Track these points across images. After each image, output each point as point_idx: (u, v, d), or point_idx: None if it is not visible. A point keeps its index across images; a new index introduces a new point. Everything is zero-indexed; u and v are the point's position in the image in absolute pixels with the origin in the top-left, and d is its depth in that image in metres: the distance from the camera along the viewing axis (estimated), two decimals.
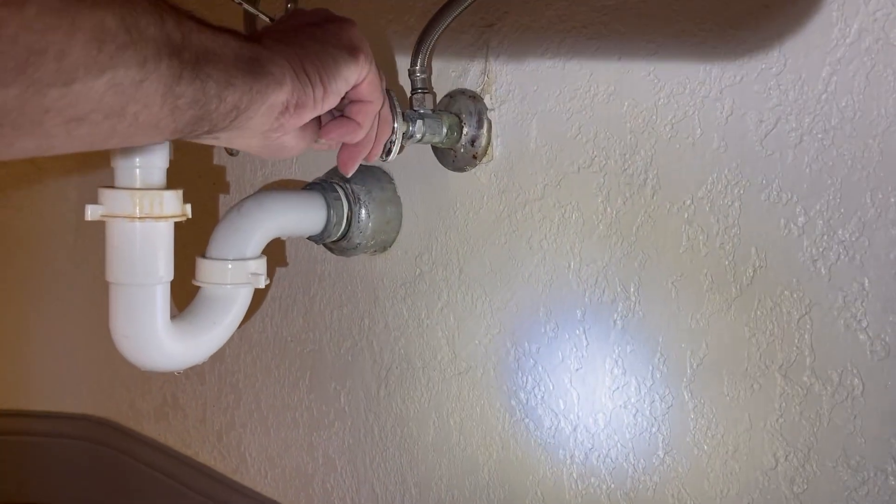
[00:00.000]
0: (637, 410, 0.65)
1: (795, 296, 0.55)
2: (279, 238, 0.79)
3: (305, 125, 0.49)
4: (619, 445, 0.66)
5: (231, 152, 1.03)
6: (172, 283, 0.70)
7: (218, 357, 1.08)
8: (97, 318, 1.26)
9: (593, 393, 0.68)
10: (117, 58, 0.32)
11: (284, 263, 0.99)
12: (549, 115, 0.69)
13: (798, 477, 0.56)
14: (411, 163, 0.81)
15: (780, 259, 0.56)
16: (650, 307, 0.63)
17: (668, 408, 0.63)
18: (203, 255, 0.74)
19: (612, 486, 0.67)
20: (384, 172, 0.83)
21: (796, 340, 0.55)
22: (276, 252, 0.99)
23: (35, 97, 0.30)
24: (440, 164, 0.77)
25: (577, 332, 0.68)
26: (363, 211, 0.79)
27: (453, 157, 0.75)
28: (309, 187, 0.80)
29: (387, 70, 0.82)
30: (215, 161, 1.10)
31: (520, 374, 0.73)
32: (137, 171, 0.65)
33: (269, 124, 0.45)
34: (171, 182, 0.68)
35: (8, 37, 0.28)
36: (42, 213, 1.39)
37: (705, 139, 0.59)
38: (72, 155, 0.36)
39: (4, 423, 1.40)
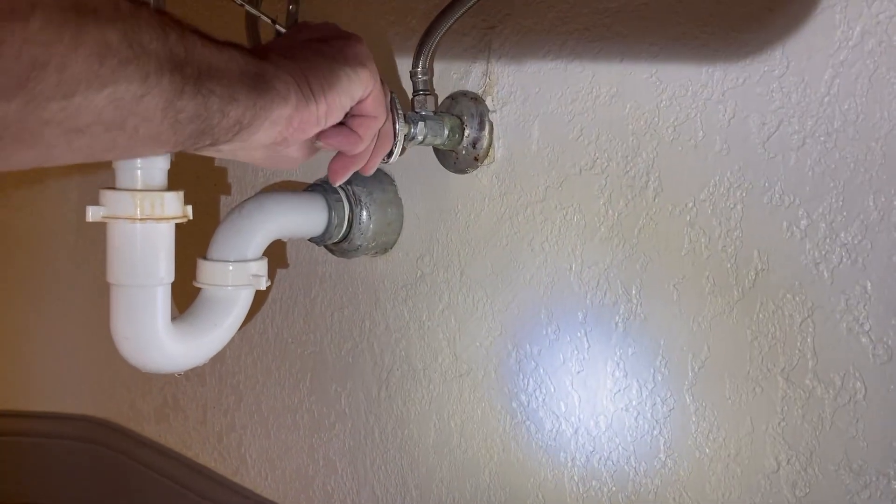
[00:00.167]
0: (638, 413, 0.65)
1: (798, 299, 0.55)
2: (280, 239, 0.79)
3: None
4: (620, 448, 0.66)
5: None
6: (173, 285, 0.70)
7: (218, 358, 1.08)
8: (98, 319, 1.25)
9: (595, 395, 0.67)
10: (119, 72, 0.32)
11: (285, 265, 0.99)
12: (550, 117, 0.69)
13: (800, 481, 0.56)
14: (413, 164, 0.80)
15: (783, 262, 0.56)
16: (652, 310, 0.63)
17: (670, 411, 0.62)
18: (204, 257, 0.74)
19: (614, 488, 0.67)
20: (385, 174, 0.83)
21: (798, 344, 0.55)
22: (277, 253, 0.99)
23: (36, 110, 0.30)
24: (441, 166, 0.77)
25: (579, 334, 0.68)
26: (364, 212, 0.79)
27: (455, 158, 0.75)
28: (310, 189, 0.80)
29: (388, 72, 0.82)
30: (216, 162, 1.10)
31: (521, 377, 0.73)
32: (138, 172, 0.65)
33: (273, 138, 0.45)
34: (172, 183, 0.68)
35: (11, 50, 0.28)
36: (43, 213, 1.39)
37: (707, 142, 0.59)
38: None
39: (4, 423, 1.40)
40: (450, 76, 0.76)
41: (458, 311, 0.78)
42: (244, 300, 0.74)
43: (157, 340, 0.68)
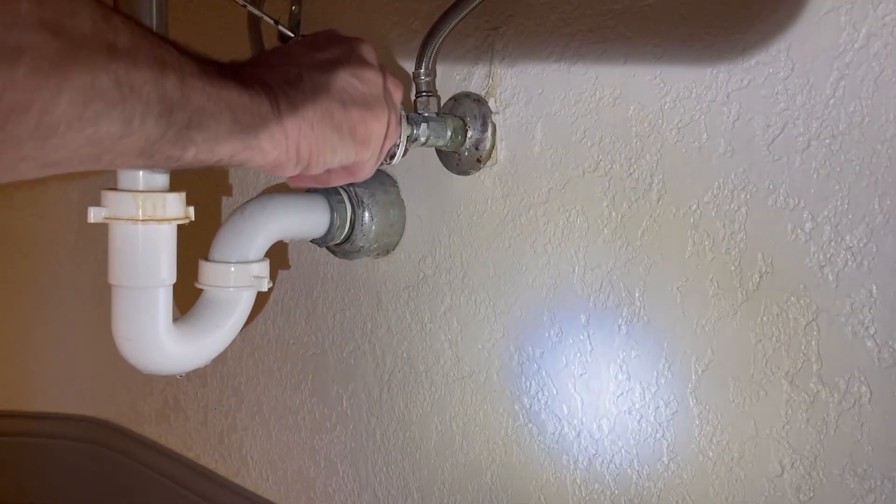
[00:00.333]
0: (641, 416, 0.64)
1: (802, 302, 0.55)
2: (282, 241, 0.79)
3: None
4: (623, 451, 0.66)
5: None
6: (175, 286, 0.70)
7: (220, 359, 1.08)
8: (99, 320, 1.25)
9: (597, 398, 0.67)
10: (103, 115, 0.31)
11: (287, 266, 0.99)
12: (553, 118, 0.69)
13: (804, 485, 0.55)
14: (415, 166, 0.80)
15: (787, 265, 0.55)
16: (655, 312, 0.63)
17: (673, 414, 0.62)
18: (206, 258, 0.73)
19: (616, 492, 0.66)
20: (388, 175, 0.83)
21: (803, 347, 0.55)
22: (278, 255, 0.99)
23: (12, 149, 0.29)
24: (444, 168, 0.77)
25: (582, 336, 0.68)
26: (366, 214, 0.79)
27: (457, 160, 0.75)
28: (312, 190, 0.80)
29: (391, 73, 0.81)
30: None
31: (523, 379, 0.73)
32: (140, 173, 0.65)
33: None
34: (174, 184, 0.67)
35: None
36: (44, 214, 1.39)
37: (712, 144, 0.59)
38: None
39: (5, 424, 1.40)
40: (453, 77, 0.76)
41: (461, 312, 0.78)
42: (246, 301, 0.74)
43: (159, 342, 0.68)
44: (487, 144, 0.73)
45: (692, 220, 0.60)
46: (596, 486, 0.68)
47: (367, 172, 0.53)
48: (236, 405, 1.10)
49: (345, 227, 0.79)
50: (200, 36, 1.08)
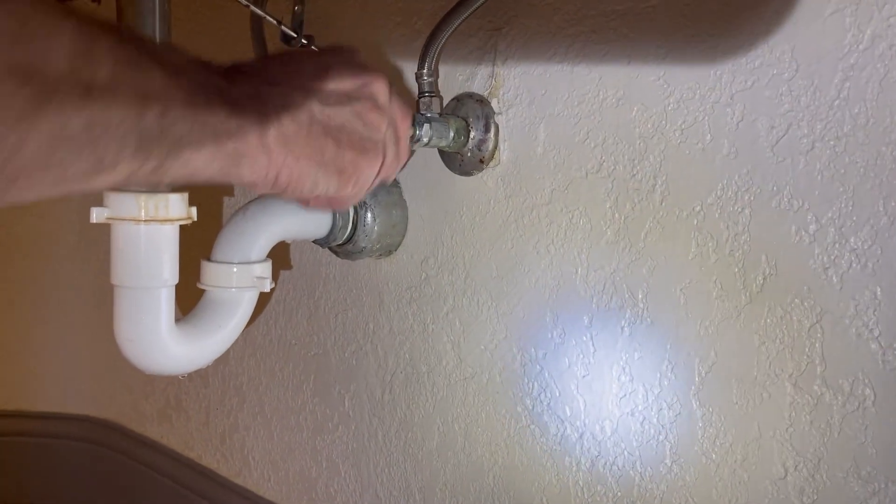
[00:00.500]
0: (644, 418, 0.64)
1: (806, 304, 0.55)
2: (284, 241, 0.79)
3: None
4: (625, 453, 0.66)
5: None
6: (177, 286, 0.69)
7: (222, 359, 1.08)
8: (100, 320, 1.25)
9: (600, 400, 0.67)
10: (69, 159, 0.30)
11: (289, 266, 0.99)
12: (556, 119, 0.69)
13: (808, 487, 0.55)
14: (418, 167, 0.80)
15: (791, 267, 0.55)
16: (658, 314, 0.63)
17: (676, 416, 0.62)
18: (208, 259, 0.73)
19: (619, 494, 0.66)
20: None
21: (807, 349, 0.55)
22: (280, 255, 0.99)
23: None
24: (447, 168, 0.77)
25: (584, 338, 0.68)
26: (369, 214, 0.79)
27: (460, 161, 0.75)
28: None
29: (393, 73, 0.81)
30: None
31: (526, 380, 0.73)
32: None
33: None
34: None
35: None
36: (44, 214, 1.39)
37: (715, 145, 0.59)
38: None
39: (7, 423, 1.40)
40: (455, 78, 0.76)
41: (463, 313, 0.78)
42: (248, 302, 0.74)
43: (161, 342, 0.68)
44: (490, 145, 0.73)
45: (696, 222, 0.60)
46: (598, 488, 0.68)
47: (347, 206, 0.52)
48: (238, 405, 1.10)
49: (347, 228, 0.78)
50: (203, 36, 1.08)
